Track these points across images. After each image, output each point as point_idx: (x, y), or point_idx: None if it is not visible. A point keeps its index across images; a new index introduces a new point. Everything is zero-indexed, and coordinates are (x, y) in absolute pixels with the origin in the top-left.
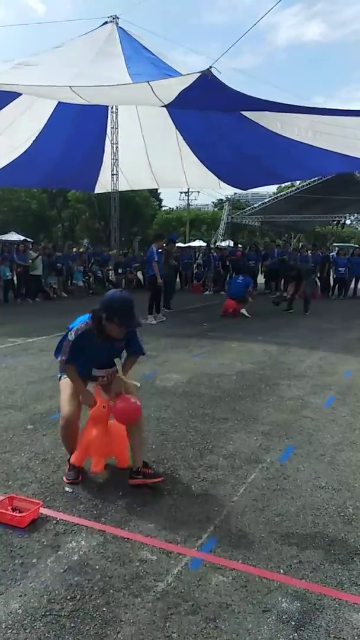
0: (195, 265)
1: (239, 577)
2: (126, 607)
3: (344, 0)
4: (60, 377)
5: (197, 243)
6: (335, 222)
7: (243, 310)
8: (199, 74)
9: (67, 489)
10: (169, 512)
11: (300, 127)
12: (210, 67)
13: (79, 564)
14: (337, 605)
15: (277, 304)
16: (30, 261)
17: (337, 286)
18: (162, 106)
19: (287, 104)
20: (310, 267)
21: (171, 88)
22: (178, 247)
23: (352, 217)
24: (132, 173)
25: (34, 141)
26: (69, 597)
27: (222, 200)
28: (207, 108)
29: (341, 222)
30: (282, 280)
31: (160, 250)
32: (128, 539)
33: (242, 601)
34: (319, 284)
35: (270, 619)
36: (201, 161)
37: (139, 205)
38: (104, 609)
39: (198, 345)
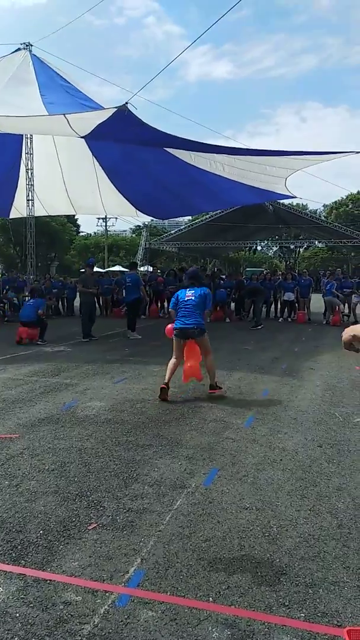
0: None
1: (168, 610)
2: None
3: (249, 42)
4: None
5: (117, 268)
6: (247, 248)
7: (227, 319)
8: (115, 109)
9: None
10: (94, 547)
11: (214, 161)
12: (127, 103)
13: None
14: (266, 629)
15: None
16: None
17: (250, 309)
18: (79, 137)
19: (201, 143)
20: (263, 289)
21: (88, 121)
22: (97, 272)
23: (262, 244)
24: (48, 198)
25: None
26: None
27: (139, 226)
28: (123, 141)
29: (253, 248)
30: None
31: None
32: (50, 580)
33: (172, 635)
34: (233, 307)
35: None
36: (118, 190)
37: (56, 230)
38: None
39: (120, 370)
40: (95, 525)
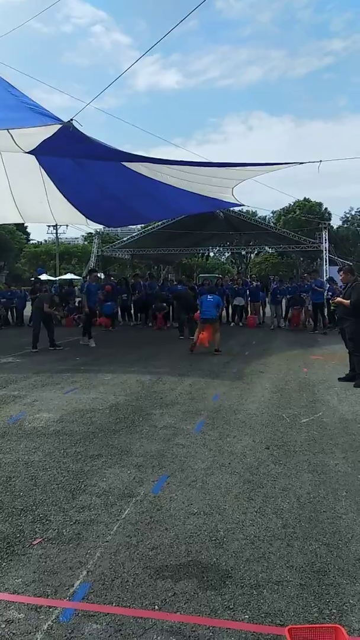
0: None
1: (113, 622)
2: None
3: (195, 53)
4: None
5: (69, 276)
6: (200, 255)
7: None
8: (61, 124)
9: None
10: (38, 562)
11: (163, 173)
12: (72, 119)
13: None
14: (211, 633)
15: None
16: None
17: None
18: (24, 153)
19: (148, 157)
20: (189, 295)
21: (32, 137)
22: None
23: (215, 250)
24: None
25: None
26: None
27: (91, 234)
28: (70, 156)
29: (205, 254)
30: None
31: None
32: None
33: None
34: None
35: None
36: (67, 199)
37: (4, 239)
38: None
39: (70, 380)
40: (40, 539)
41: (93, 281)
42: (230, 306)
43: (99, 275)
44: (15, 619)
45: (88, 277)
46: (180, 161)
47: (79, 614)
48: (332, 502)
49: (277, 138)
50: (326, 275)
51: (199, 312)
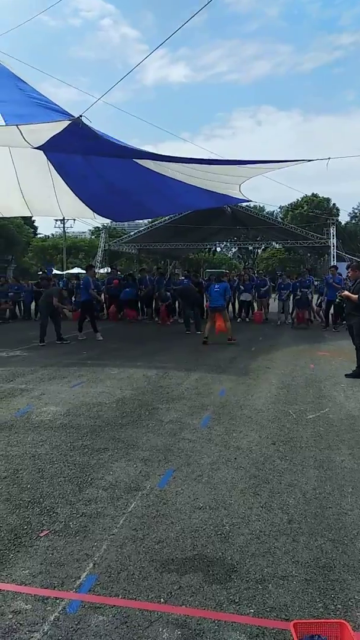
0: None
1: (119, 614)
2: None
3: (204, 47)
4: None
5: (76, 270)
6: (207, 250)
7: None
8: (70, 121)
9: None
10: (45, 554)
11: (171, 168)
12: (81, 116)
13: None
14: (216, 627)
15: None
16: None
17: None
18: (33, 148)
19: (157, 154)
20: (194, 290)
21: (41, 133)
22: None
23: (222, 245)
24: (1, 200)
25: None
26: None
27: (98, 228)
28: (78, 152)
29: (212, 249)
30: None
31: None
32: (0, 590)
33: (123, 639)
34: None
35: None
36: (74, 192)
37: (12, 233)
38: None
39: (77, 374)
40: (47, 532)
41: (92, 277)
42: (237, 301)
43: (96, 270)
44: (23, 609)
45: (87, 272)
46: (189, 159)
47: (86, 606)
48: (338, 498)
49: (286, 132)
50: None
51: (208, 302)
